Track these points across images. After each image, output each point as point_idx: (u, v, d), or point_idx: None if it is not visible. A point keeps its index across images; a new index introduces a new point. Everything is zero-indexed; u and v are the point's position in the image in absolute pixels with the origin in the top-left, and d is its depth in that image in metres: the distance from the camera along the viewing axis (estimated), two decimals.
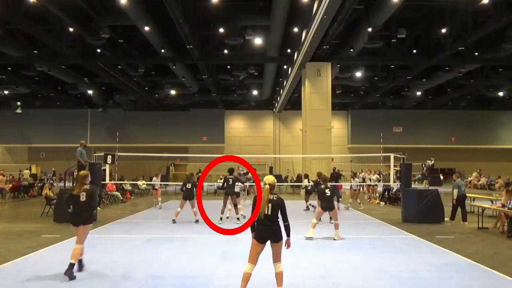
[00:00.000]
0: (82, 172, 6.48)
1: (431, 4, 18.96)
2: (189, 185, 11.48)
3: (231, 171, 11.77)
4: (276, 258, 5.03)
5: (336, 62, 24.37)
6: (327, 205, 9.36)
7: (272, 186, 5.12)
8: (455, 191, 11.83)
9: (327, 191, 9.43)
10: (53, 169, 33.93)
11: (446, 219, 11.91)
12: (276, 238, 4.98)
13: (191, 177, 12.13)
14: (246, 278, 4.90)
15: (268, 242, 5.04)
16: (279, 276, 5.02)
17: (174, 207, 12.89)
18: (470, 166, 32.85)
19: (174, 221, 11.31)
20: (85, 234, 6.16)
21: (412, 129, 37.63)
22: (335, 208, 9.67)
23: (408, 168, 12.64)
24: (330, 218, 11.51)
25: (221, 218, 11.43)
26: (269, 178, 5.21)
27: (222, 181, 13.18)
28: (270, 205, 4.98)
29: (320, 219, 10.30)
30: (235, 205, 11.59)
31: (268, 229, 4.98)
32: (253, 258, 4.96)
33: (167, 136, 36.63)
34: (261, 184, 5.22)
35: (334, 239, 8.95)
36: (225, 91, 33.93)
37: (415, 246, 8.54)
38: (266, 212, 4.98)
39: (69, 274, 5.78)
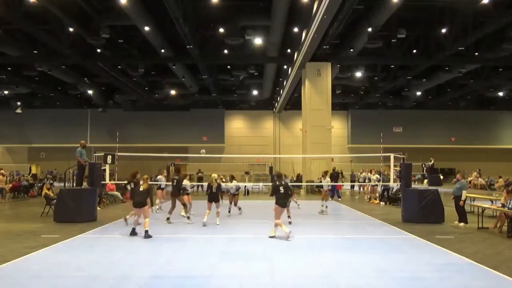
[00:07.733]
0: (145, 176, 10.15)
1: (431, 4, 18.97)
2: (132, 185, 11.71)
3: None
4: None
5: (336, 62, 24.36)
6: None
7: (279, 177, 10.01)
8: (464, 192, 11.14)
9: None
10: (55, 169, 33.89)
11: (456, 222, 11.26)
12: (286, 205, 9.65)
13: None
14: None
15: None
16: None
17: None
18: (470, 166, 32.78)
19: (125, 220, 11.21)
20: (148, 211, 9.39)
21: (412, 129, 37.63)
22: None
23: (408, 168, 12.62)
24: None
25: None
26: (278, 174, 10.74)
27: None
28: (283, 188, 9.35)
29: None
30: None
31: (284, 199, 9.43)
32: (280, 217, 9.26)
33: (167, 136, 36.62)
34: (275, 178, 9.65)
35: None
36: (225, 91, 33.95)
37: (415, 246, 8.53)
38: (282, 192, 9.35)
39: (148, 236, 8.97)
